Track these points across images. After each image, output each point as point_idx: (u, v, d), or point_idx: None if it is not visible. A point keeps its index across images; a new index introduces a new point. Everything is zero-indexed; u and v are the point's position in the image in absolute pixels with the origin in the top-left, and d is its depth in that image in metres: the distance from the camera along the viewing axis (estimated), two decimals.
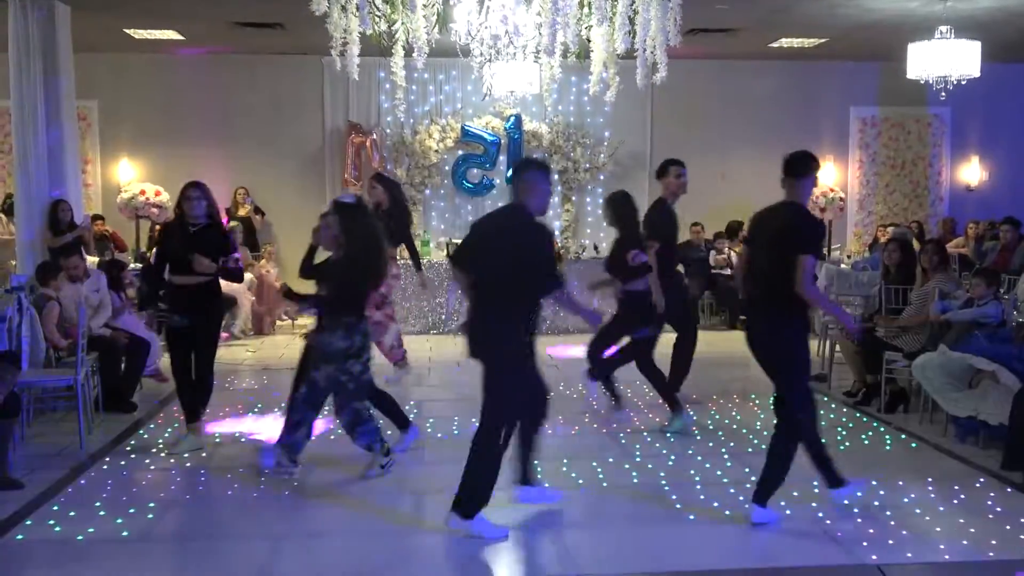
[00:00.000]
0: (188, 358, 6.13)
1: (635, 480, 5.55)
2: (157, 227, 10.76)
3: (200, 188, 6.16)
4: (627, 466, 5.80)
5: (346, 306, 5.42)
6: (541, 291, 4.77)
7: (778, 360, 4.82)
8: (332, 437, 6.50)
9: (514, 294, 4.67)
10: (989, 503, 5.12)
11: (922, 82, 9.47)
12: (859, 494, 5.08)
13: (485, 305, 4.78)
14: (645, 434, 6.55)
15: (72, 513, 4.91)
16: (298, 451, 5.54)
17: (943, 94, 9.31)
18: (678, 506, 5.09)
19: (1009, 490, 5.32)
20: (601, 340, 6.85)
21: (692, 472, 5.68)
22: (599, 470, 5.70)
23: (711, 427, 6.80)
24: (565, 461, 5.87)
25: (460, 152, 12.98)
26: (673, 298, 6.68)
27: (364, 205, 5.75)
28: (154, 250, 6.77)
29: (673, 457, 5.99)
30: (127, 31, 11.26)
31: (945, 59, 8.99)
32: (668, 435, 6.54)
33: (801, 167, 4.87)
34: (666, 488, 5.38)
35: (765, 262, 4.81)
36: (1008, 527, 4.78)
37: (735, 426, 6.83)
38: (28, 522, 4.82)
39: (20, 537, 4.64)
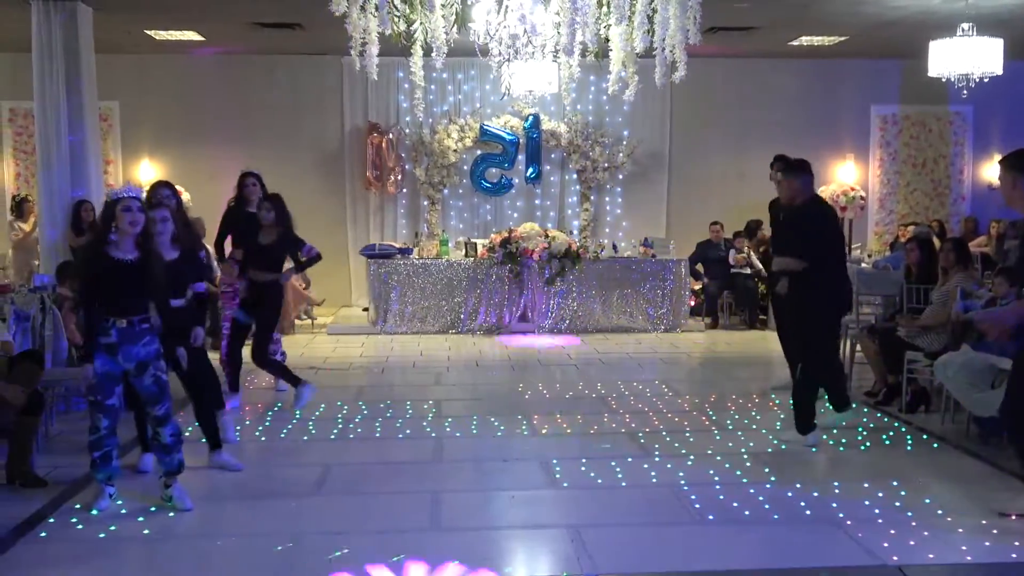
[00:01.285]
0: None
1: (654, 480, 5.53)
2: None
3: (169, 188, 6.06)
4: (646, 466, 5.79)
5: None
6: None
7: None
8: (351, 436, 6.54)
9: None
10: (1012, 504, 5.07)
11: (944, 80, 9.40)
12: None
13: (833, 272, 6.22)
14: (664, 434, 6.53)
15: (94, 511, 4.95)
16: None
17: (965, 92, 9.23)
18: (697, 506, 5.07)
19: None
20: (263, 332, 7.17)
21: (711, 472, 5.66)
22: (618, 469, 5.69)
23: (730, 427, 6.77)
24: (584, 460, 5.86)
25: (479, 152, 13.02)
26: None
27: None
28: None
29: (692, 457, 5.97)
30: (148, 32, 11.34)
31: (967, 56, 8.92)
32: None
33: None
34: (685, 488, 5.36)
35: None
36: None
37: (755, 426, 6.80)
38: (51, 520, 4.86)
39: (43, 535, 4.68)
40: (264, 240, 7.03)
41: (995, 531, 4.68)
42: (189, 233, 5.81)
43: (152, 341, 5.00)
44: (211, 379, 6.04)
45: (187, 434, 5.77)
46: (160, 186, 6.10)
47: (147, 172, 12.91)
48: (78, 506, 5.05)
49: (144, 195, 5.20)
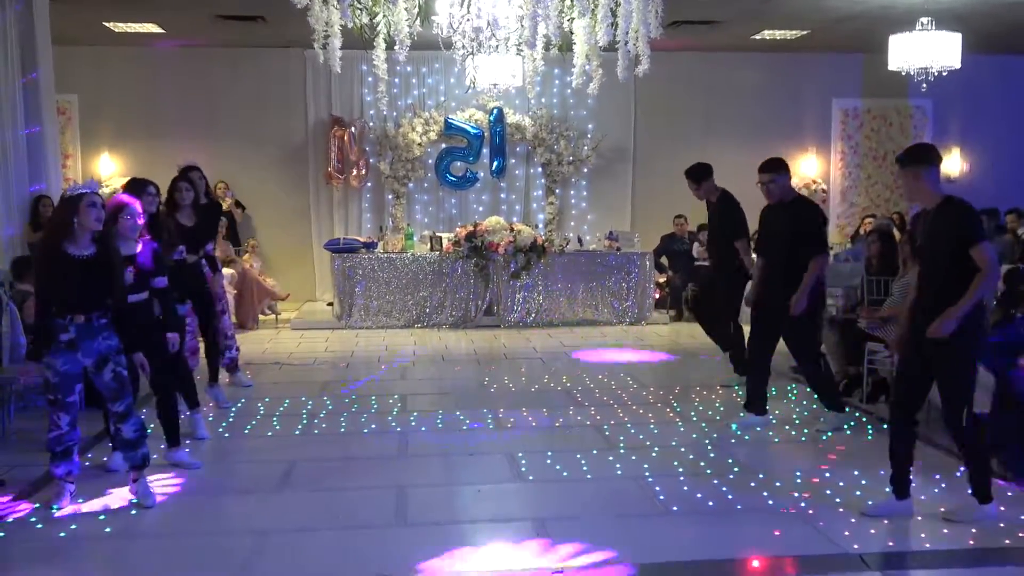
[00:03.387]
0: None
1: (619, 472, 5.56)
2: None
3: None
4: (611, 458, 5.81)
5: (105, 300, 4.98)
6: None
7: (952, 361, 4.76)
8: (316, 432, 6.50)
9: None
10: (970, 491, 5.14)
11: (904, 74, 9.50)
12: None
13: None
14: (629, 426, 6.57)
15: (54, 509, 4.87)
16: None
17: (924, 86, 9.34)
18: (661, 497, 5.10)
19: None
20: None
21: (675, 463, 5.69)
22: (583, 462, 5.71)
23: (694, 418, 6.82)
24: (549, 453, 5.88)
25: (443, 145, 12.98)
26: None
27: None
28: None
29: (657, 449, 6.01)
30: (107, 24, 11.18)
31: (926, 51, 9.02)
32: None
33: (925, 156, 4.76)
34: (649, 480, 5.39)
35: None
36: None
37: (718, 417, 6.85)
38: (9, 520, 4.79)
39: (1, 535, 4.61)
40: (187, 222, 6.86)
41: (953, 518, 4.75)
42: (156, 228, 5.75)
43: (112, 336, 4.95)
44: (186, 377, 6.11)
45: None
46: (144, 183, 6.01)
47: (107, 166, 12.75)
48: (37, 505, 4.98)
49: (102, 190, 5.16)
